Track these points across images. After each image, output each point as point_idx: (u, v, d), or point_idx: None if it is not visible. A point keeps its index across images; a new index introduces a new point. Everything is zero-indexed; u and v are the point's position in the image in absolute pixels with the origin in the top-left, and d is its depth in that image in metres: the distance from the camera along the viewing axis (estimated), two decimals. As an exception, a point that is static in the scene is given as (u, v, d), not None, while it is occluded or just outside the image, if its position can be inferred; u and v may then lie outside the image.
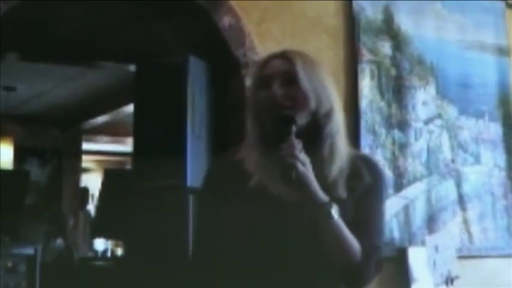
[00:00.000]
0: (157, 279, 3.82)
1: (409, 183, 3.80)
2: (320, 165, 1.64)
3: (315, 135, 1.67)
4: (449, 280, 3.71)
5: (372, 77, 3.79)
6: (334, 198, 1.60)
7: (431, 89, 4.00)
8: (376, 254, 1.66)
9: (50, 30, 4.95)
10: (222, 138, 3.45)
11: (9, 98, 7.38)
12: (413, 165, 3.84)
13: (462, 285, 3.73)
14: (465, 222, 3.96)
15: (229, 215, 1.66)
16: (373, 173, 1.73)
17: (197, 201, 3.36)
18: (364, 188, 1.69)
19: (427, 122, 3.95)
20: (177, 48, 3.72)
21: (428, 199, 3.85)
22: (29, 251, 4.83)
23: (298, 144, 1.58)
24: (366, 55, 3.79)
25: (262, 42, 3.52)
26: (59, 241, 6.47)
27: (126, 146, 8.73)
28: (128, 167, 9.43)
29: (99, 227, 6.50)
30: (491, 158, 4.14)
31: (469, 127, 4.09)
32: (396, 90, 3.87)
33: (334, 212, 1.58)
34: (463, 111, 4.09)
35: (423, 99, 3.96)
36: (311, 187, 1.57)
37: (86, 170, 10.29)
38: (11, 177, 6.49)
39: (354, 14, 3.81)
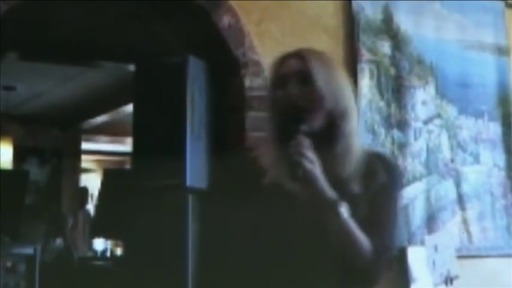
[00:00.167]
0: (157, 279, 3.82)
1: (409, 182, 3.80)
2: (335, 163, 1.64)
3: (330, 134, 1.67)
4: (449, 280, 3.71)
5: (371, 77, 3.79)
6: (348, 196, 1.60)
7: (431, 89, 4.00)
8: (386, 254, 1.66)
9: (50, 30, 4.95)
10: (222, 138, 3.46)
11: (9, 97, 7.38)
12: (413, 164, 3.84)
13: (461, 285, 3.73)
14: (464, 222, 3.96)
15: (243, 212, 1.66)
16: (389, 171, 1.73)
17: (200, 199, 3.37)
18: (379, 187, 1.68)
19: (426, 121, 3.95)
20: (176, 48, 3.72)
21: (428, 199, 3.85)
22: (29, 250, 4.83)
23: (306, 143, 1.58)
24: (365, 55, 3.79)
25: (261, 42, 3.52)
26: (59, 241, 6.47)
27: (126, 145, 8.73)
28: (128, 166, 9.42)
29: (98, 227, 6.50)
30: (491, 157, 4.14)
31: (468, 127, 4.09)
32: (395, 90, 3.87)
33: (343, 210, 1.58)
34: (462, 111, 4.09)
35: (422, 99, 3.96)
36: (318, 185, 1.57)
37: (86, 170, 10.29)
38: (11, 177, 6.49)
39: (354, 13, 3.81)
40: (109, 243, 8.04)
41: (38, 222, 6.47)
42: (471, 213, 3.99)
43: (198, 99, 3.32)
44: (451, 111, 4.05)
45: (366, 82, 3.76)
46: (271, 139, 1.72)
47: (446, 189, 3.94)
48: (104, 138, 9.48)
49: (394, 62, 3.89)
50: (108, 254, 7.91)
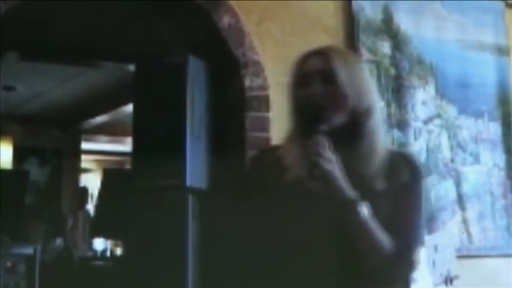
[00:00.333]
0: (157, 279, 3.82)
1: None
2: (358, 161, 1.63)
3: (354, 132, 1.67)
4: (449, 280, 3.71)
5: (371, 77, 3.79)
6: (372, 194, 1.60)
7: (431, 89, 4.00)
8: (408, 253, 1.64)
9: (50, 30, 4.95)
10: (222, 138, 3.46)
11: (9, 97, 7.38)
12: (413, 165, 3.83)
13: (461, 285, 3.73)
14: (464, 222, 3.96)
15: (265, 209, 1.66)
16: (411, 170, 1.71)
17: (200, 199, 3.37)
18: (401, 185, 1.67)
19: (426, 121, 3.95)
20: (176, 48, 3.72)
21: (428, 199, 3.85)
22: (29, 250, 4.83)
23: (324, 142, 1.57)
24: (365, 55, 3.79)
25: (261, 42, 3.52)
26: (58, 241, 6.46)
27: (126, 145, 8.72)
28: (127, 166, 9.42)
29: (98, 227, 6.50)
30: (491, 157, 4.14)
31: (468, 127, 4.09)
32: (395, 90, 3.87)
33: (363, 209, 1.57)
34: (462, 111, 4.09)
35: (422, 99, 3.96)
36: (337, 184, 1.56)
37: (86, 170, 10.29)
38: (11, 177, 6.49)
39: (354, 13, 3.81)
40: (109, 243, 8.03)
41: (38, 222, 6.46)
42: (471, 213, 3.99)
43: (198, 99, 3.32)
44: (451, 111, 4.05)
45: (365, 82, 3.76)
46: (293, 137, 1.71)
47: (446, 189, 3.94)
48: (103, 138, 9.47)
49: (394, 62, 3.90)
50: (108, 254, 7.89)
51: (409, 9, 3.99)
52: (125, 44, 5.00)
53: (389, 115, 3.81)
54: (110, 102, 7.60)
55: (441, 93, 4.03)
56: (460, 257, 3.83)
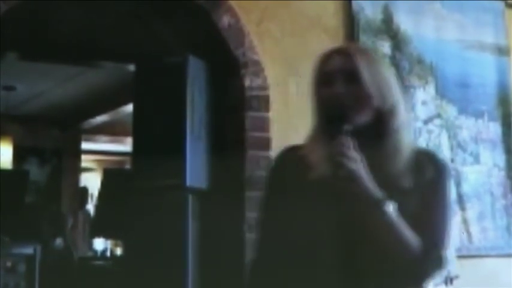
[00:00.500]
0: (157, 279, 3.82)
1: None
2: (383, 160, 1.62)
3: (378, 131, 1.65)
4: (449, 280, 3.70)
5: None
6: (399, 192, 1.58)
7: (431, 89, 4.00)
8: (435, 251, 1.63)
9: (50, 30, 4.94)
10: (222, 138, 3.46)
11: (9, 97, 7.38)
12: (413, 165, 3.84)
13: (461, 285, 3.73)
14: (464, 221, 3.96)
15: (291, 208, 1.65)
16: (437, 168, 1.70)
17: (200, 199, 3.37)
18: (427, 183, 1.65)
19: (426, 121, 3.95)
20: (176, 48, 3.72)
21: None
22: (29, 250, 4.84)
23: (349, 142, 1.56)
24: (365, 55, 3.78)
25: (261, 41, 3.52)
26: (58, 241, 6.46)
27: (126, 145, 8.72)
28: (127, 166, 9.43)
29: (98, 227, 6.50)
30: (491, 157, 4.15)
31: (468, 127, 4.09)
32: (395, 90, 3.86)
33: (389, 209, 1.55)
34: (462, 111, 4.09)
35: (422, 99, 3.96)
36: (362, 184, 1.54)
37: (86, 170, 10.28)
38: (11, 177, 6.50)
39: (353, 13, 3.81)
40: (109, 243, 8.03)
41: (38, 222, 6.46)
42: (471, 213, 3.99)
43: (198, 99, 3.32)
44: (451, 111, 4.05)
45: (365, 82, 3.76)
46: (316, 136, 1.69)
47: (446, 189, 3.93)
48: (104, 138, 9.47)
49: (394, 62, 3.89)
50: (108, 254, 7.90)
51: (409, 9, 3.99)
52: (125, 44, 4.99)
53: (389, 115, 3.81)
54: (110, 102, 7.60)
55: (441, 93, 4.03)
56: (460, 257, 3.83)
